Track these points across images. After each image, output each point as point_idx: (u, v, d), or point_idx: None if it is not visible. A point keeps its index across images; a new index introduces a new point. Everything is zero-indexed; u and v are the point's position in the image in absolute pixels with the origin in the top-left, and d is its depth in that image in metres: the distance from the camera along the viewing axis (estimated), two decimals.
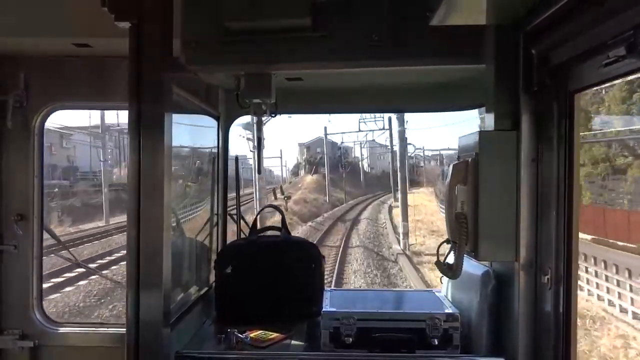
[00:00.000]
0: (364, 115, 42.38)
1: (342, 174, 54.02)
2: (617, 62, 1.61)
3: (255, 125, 2.96)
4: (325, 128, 54.00)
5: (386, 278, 16.87)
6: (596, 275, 14.20)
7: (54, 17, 2.57)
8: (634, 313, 12.06)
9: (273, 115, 2.84)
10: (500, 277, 2.37)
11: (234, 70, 2.64)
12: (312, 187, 51.91)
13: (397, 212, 34.51)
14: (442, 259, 2.36)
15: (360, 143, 61.70)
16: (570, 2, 1.78)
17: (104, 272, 13.70)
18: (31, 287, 2.98)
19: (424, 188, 55.93)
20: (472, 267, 2.49)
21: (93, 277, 13.98)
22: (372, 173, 75.01)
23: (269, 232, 3.32)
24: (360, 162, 68.93)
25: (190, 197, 3.30)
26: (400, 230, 22.45)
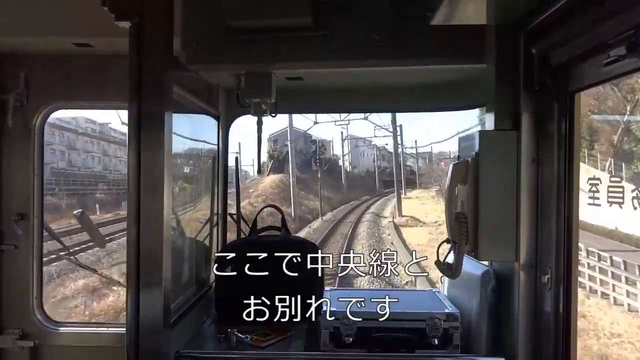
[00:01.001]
0: None
1: (317, 173, 38.35)
2: (618, 61, 1.61)
3: (256, 125, 2.96)
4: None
5: None
6: None
7: (55, 17, 2.58)
8: None
9: (273, 115, 2.84)
10: (500, 277, 2.37)
11: (235, 69, 2.64)
12: (270, 193, 32.48)
13: (412, 236, 21.42)
14: (442, 258, 2.36)
15: (341, 133, 47.38)
16: (571, 2, 1.78)
17: None
18: (31, 287, 2.97)
19: (419, 190, 46.21)
20: (472, 266, 2.48)
21: None
22: (354, 173, 60.55)
23: (269, 232, 3.32)
24: (340, 160, 52.21)
25: (190, 197, 3.30)
26: None
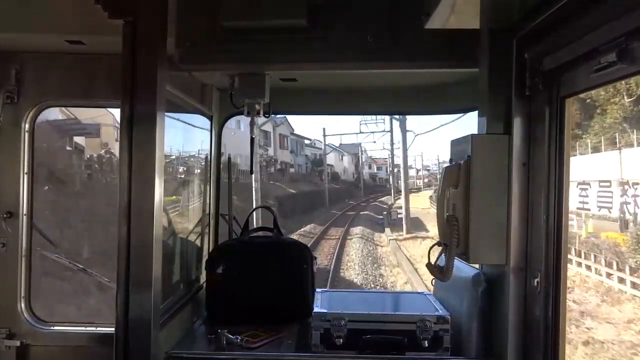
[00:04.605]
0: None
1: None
2: (608, 67, 1.63)
3: (249, 125, 2.96)
4: None
5: None
6: None
7: (47, 14, 2.55)
8: None
9: (267, 115, 2.84)
10: (490, 280, 2.39)
11: (229, 70, 2.64)
12: None
13: None
14: (433, 261, 2.37)
15: None
16: (563, 9, 1.80)
17: None
18: (19, 286, 2.94)
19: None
20: (463, 269, 2.50)
21: None
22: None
23: (261, 233, 3.31)
24: None
25: (182, 197, 3.29)
26: None
